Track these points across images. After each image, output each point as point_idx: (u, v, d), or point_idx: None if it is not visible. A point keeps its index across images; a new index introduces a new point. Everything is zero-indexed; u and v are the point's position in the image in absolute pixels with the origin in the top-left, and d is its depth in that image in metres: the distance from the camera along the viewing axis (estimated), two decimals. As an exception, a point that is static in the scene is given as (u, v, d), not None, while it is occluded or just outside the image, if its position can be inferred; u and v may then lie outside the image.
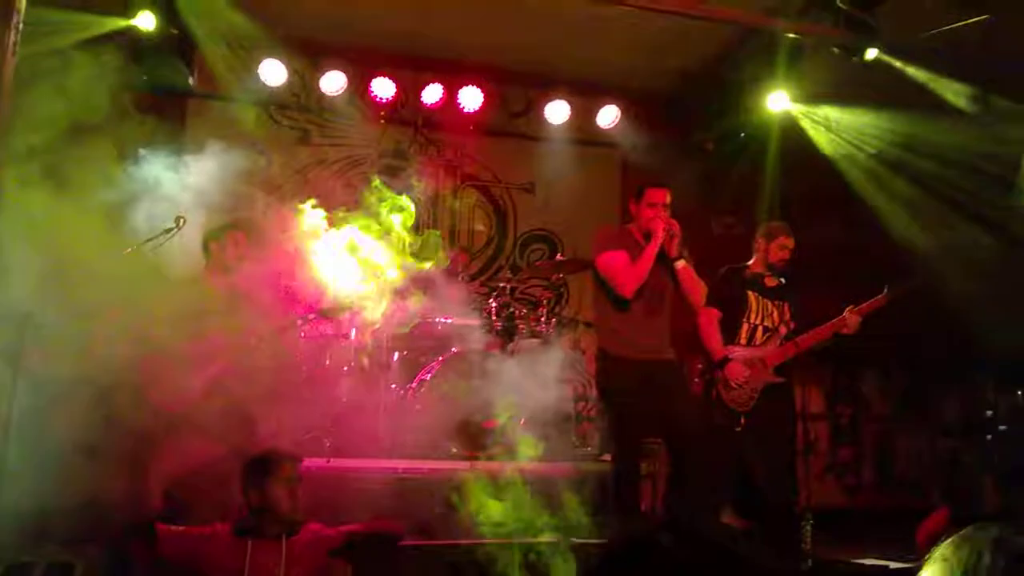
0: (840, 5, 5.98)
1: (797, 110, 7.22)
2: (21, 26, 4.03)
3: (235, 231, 5.26)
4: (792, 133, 7.37)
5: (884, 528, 5.61)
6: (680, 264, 4.78)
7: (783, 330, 5.29)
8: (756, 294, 5.30)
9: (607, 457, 6.43)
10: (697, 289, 4.89)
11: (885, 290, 5.30)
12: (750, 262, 5.43)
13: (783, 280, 5.36)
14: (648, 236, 4.79)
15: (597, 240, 4.97)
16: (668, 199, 4.84)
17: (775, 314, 5.32)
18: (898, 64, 6.48)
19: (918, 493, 7.62)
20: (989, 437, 8.13)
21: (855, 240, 8.49)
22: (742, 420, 5.12)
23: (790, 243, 5.33)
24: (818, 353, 5.44)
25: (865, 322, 5.23)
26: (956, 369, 8.31)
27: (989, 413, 8.30)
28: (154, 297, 4.84)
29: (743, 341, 5.27)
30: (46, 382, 4.87)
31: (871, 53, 6.17)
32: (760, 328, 5.28)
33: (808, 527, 5.14)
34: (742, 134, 7.71)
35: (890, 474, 8.03)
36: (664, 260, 4.78)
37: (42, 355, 4.85)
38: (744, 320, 5.27)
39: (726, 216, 8.20)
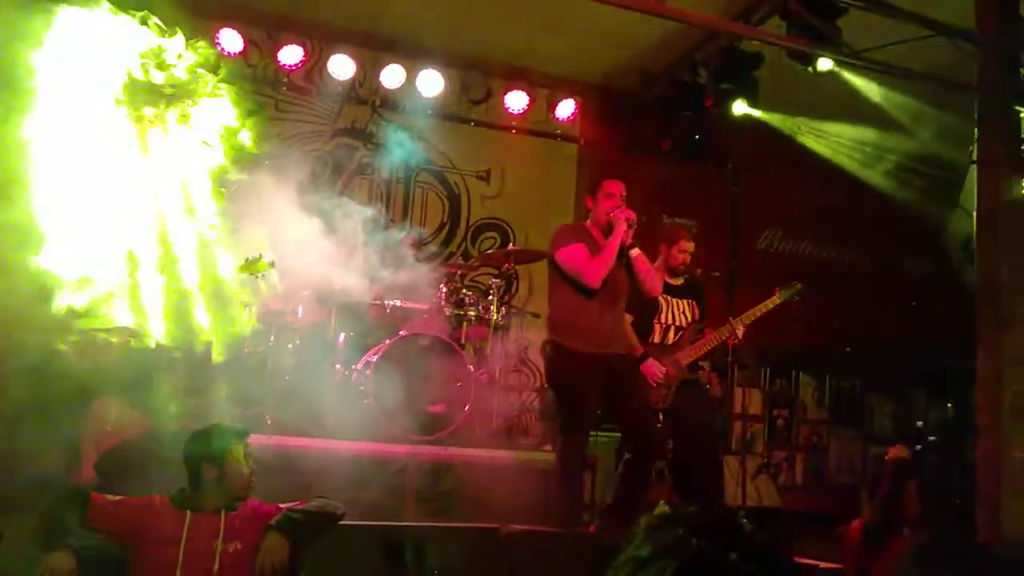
0: (797, 12, 6.01)
1: (759, 116, 7.30)
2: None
3: None
4: (747, 138, 7.47)
5: (815, 529, 5.73)
6: (635, 252, 4.79)
7: (693, 328, 5.42)
8: (665, 296, 5.38)
9: (548, 448, 6.49)
10: (653, 277, 4.92)
11: (776, 293, 5.44)
12: (656, 264, 5.39)
13: (687, 278, 5.49)
14: (608, 228, 4.80)
15: (555, 236, 4.93)
16: (624, 191, 4.86)
17: (686, 313, 5.44)
18: (851, 77, 6.61)
19: (847, 496, 7.80)
20: (919, 447, 8.38)
21: (798, 248, 8.70)
22: (660, 417, 5.21)
23: (690, 247, 5.44)
24: (757, 356, 5.59)
25: (791, 327, 5.39)
26: (889, 379, 8.55)
27: (919, 423, 8.56)
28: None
29: (656, 341, 5.37)
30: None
31: (824, 64, 6.23)
32: (672, 328, 5.39)
33: (743, 524, 5.22)
34: (696, 136, 7.78)
35: (822, 477, 8.23)
36: (620, 252, 4.78)
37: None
38: (656, 321, 5.37)
39: (677, 216, 8.28)
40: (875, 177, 7.41)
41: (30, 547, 3.34)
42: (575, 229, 5.03)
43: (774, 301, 5.44)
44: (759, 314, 5.40)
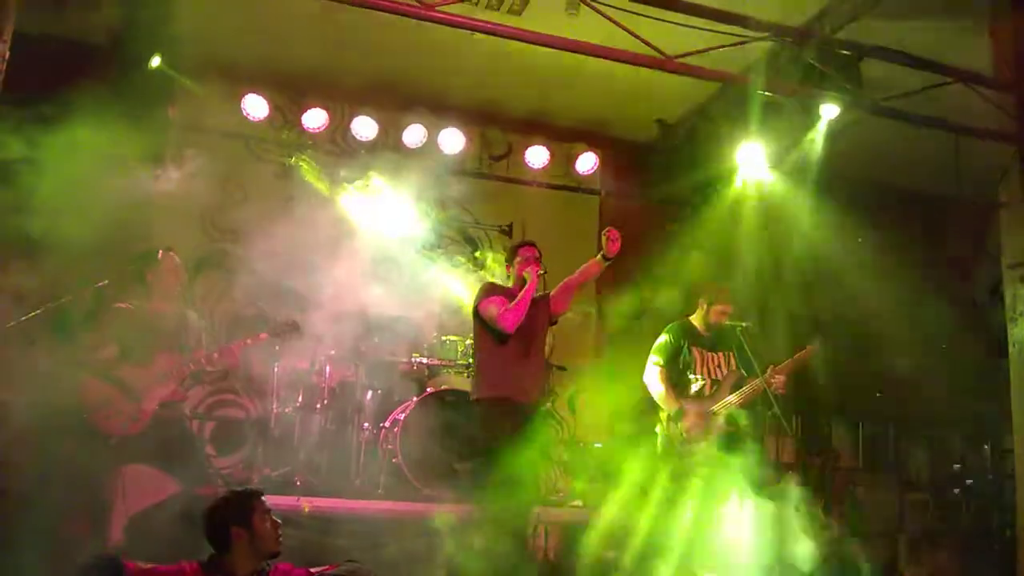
0: (811, 63, 6.03)
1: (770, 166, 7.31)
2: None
3: (168, 252, 5.21)
4: (766, 188, 7.49)
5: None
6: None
7: (731, 379, 5.40)
8: (700, 349, 5.46)
9: (578, 503, 6.45)
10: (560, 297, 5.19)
11: (817, 343, 5.39)
12: (692, 317, 5.59)
13: (723, 329, 5.48)
14: (523, 284, 4.99)
15: (479, 293, 5.12)
16: (538, 253, 5.13)
17: (722, 366, 5.46)
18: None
19: (884, 545, 7.64)
20: (956, 491, 8.22)
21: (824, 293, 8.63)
22: (697, 471, 5.17)
23: (729, 309, 5.50)
24: (789, 404, 5.51)
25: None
26: (923, 424, 8.42)
27: (956, 467, 8.39)
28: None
29: (692, 395, 5.37)
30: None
31: (829, 112, 6.20)
32: (709, 382, 5.40)
33: None
34: (714, 186, 7.80)
35: (858, 525, 8.05)
36: (537, 305, 4.97)
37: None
38: (691, 375, 5.40)
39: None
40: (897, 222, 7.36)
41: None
42: (495, 287, 5.19)
43: (812, 351, 5.38)
44: (797, 364, 5.35)
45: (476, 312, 5.04)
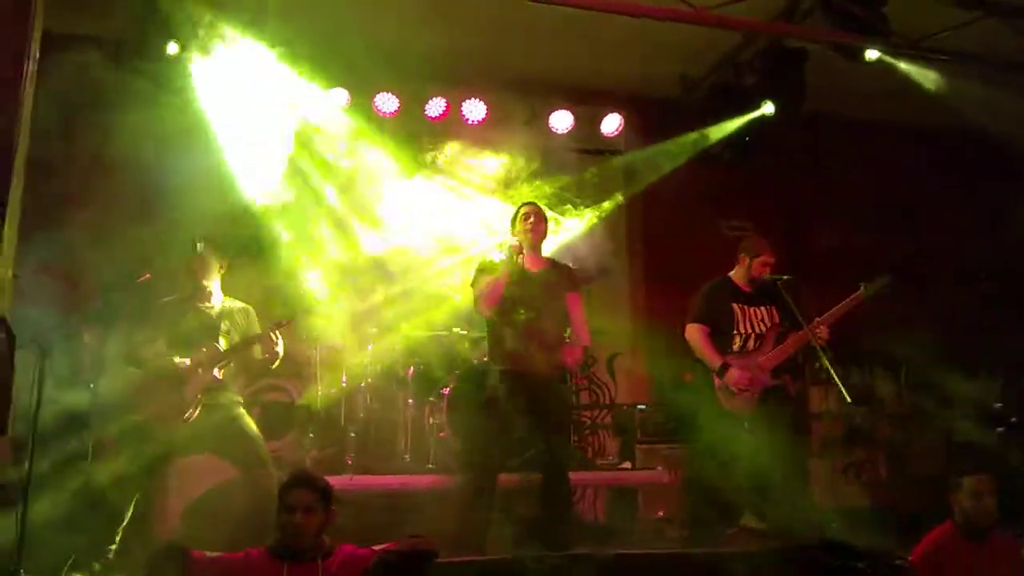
0: (840, 4, 5.91)
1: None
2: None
3: (207, 242, 5.22)
4: (800, 137, 7.38)
5: (901, 527, 5.57)
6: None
7: (774, 333, 5.32)
8: (741, 305, 5.34)
9: (627, 465, 6.46)
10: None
11: (861, 288, 5.28)
12: (732, 273, 5.47)
13: (764, 283, 5.37)
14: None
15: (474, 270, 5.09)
16: (532, 213, 5.01)
17: (765, 320, 5.35)
18: (902, 65, 6.41)
19: (934, 490, 7.61)
20: (1000, 430, 8.13)
21: (860, 243, 8.53)
22: (746, 425, 5.13)
23: (771, 260, 5.37)
24: (831, 354, 5.40)
25: (863, 322, 5.26)
26: (967, 366, 8.32)
27: (998, 405, 8.31)
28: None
29: (736, 351, 5.29)
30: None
31: (871, 54, 6.10)
32: (752, 336, 5.31)
33: (832, 527, 5.16)
34: (747, 138, 7.70)
35: (904, 472, 8.01)
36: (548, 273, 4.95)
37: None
38: (735, 332, 5.30)
39: (734, 219, 8.19)
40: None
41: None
42: (489, 264, 5.07)
43: (859, 297, 5.25)
44: (843, 312, 5.23)
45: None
